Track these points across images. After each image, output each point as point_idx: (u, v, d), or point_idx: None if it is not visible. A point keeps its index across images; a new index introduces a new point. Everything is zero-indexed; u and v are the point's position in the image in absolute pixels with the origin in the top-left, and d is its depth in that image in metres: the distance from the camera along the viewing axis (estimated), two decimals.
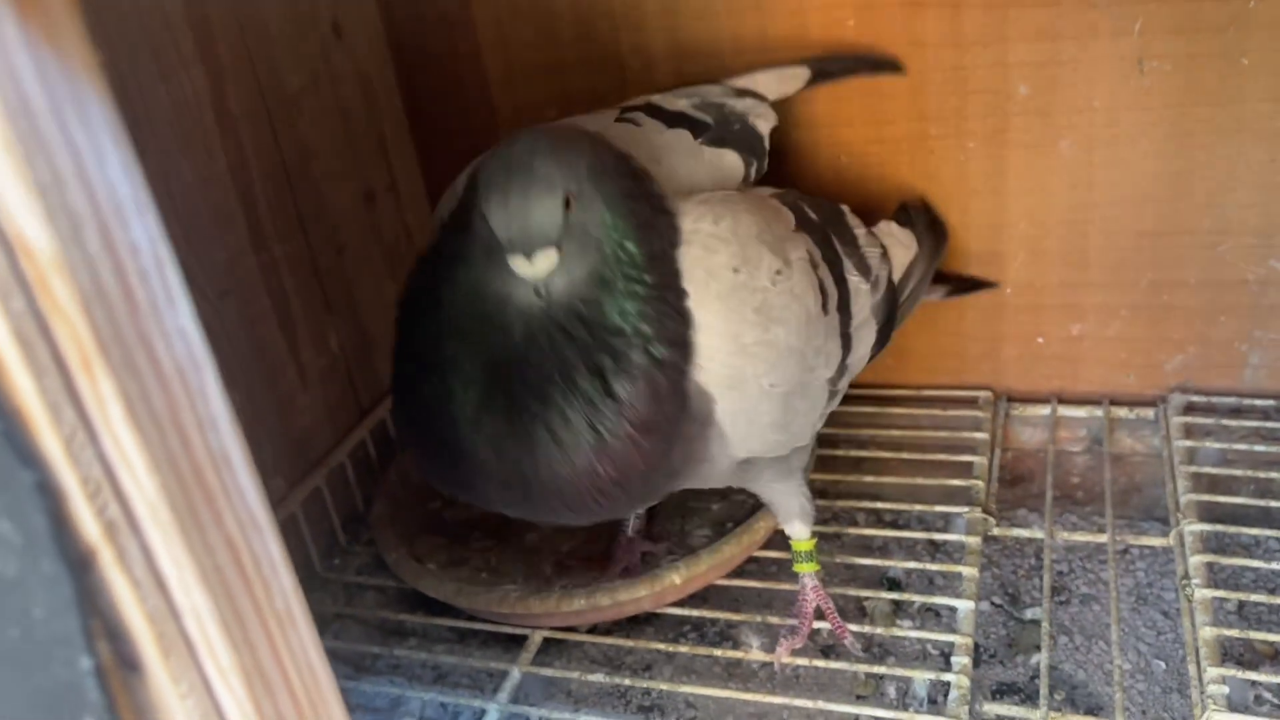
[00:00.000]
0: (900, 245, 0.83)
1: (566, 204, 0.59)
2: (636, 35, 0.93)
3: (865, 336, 0.76)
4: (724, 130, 0.78)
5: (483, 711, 0.75)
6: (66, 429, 0.25)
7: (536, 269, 0.58)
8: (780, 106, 0.91)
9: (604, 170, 0.63)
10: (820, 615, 0.77)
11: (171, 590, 0.28)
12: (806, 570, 0.77)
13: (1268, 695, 0.75)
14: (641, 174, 0.67)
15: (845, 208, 0.81)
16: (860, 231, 0.80)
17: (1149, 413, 0.91)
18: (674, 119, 0.78)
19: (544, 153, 0.60)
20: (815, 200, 0.78)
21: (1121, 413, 0.92)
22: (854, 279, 0.75)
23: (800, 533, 0.77)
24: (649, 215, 0.64)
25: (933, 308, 0.95)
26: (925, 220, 0.89)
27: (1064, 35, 0.82)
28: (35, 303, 0.23)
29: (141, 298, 0.25)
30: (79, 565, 0.26)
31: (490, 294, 0.62)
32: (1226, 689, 0.64)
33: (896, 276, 0.81)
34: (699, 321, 0.63)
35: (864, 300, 0.76)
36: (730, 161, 0.77)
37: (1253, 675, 0.68)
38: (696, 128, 0.77)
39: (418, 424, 0.66)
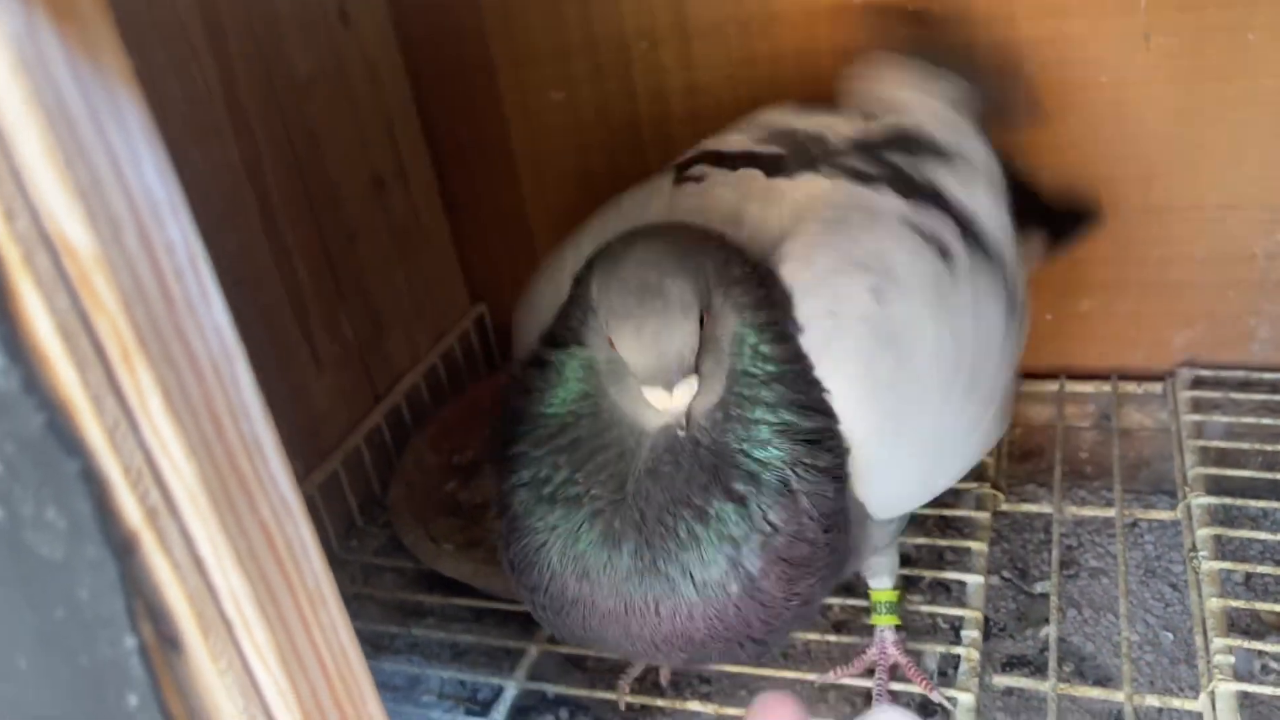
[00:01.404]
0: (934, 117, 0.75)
1: (701, 323, 0.53)
2: (642, 17, 0.94)
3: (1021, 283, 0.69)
4: (802, 159, 0.70)
5: (501, 688, 0.77)
6: (109, 419, 0.26)
7: (676, 402, 0.52)
8: (793, 85, 0.91)
9: (733, 275, 0.57)
10: (897, 674, 0.72)
11: (210, 572, 0.29)
12: (886, 623, 0.72)
13: (1274, 665, 0.76)
14: (742, 253, 0.60)
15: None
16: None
17: (1157, 387, 0.92)
18: (739, 161, 0.71)
19: (672, 269, 0.53)
20: (888, 130, 0.72)
21: (1130, 388, 0.93)
22: (993, 235, 0.67)
23: (884, 584, 0.72)
24: (767, 302, 0.58)
25: None
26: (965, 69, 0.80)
27: (1071, 12, 0.82)
28: (78, 300, 0.25)
29: (177, 294, 0.26)
30: (122, 549, 0.27)
31: (619, 422, 0.56)
32: (1233, 659, 0.65)
33: None
34: (853, 432, 0.57)
35: (1008, 245, 0.68)
36: (819, 188, 0.70)
37: (1259, 645, 0.69)
38: (767, 164, 0.70)
39: (535, 564, 0.58)
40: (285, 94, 0.88)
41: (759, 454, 0.54)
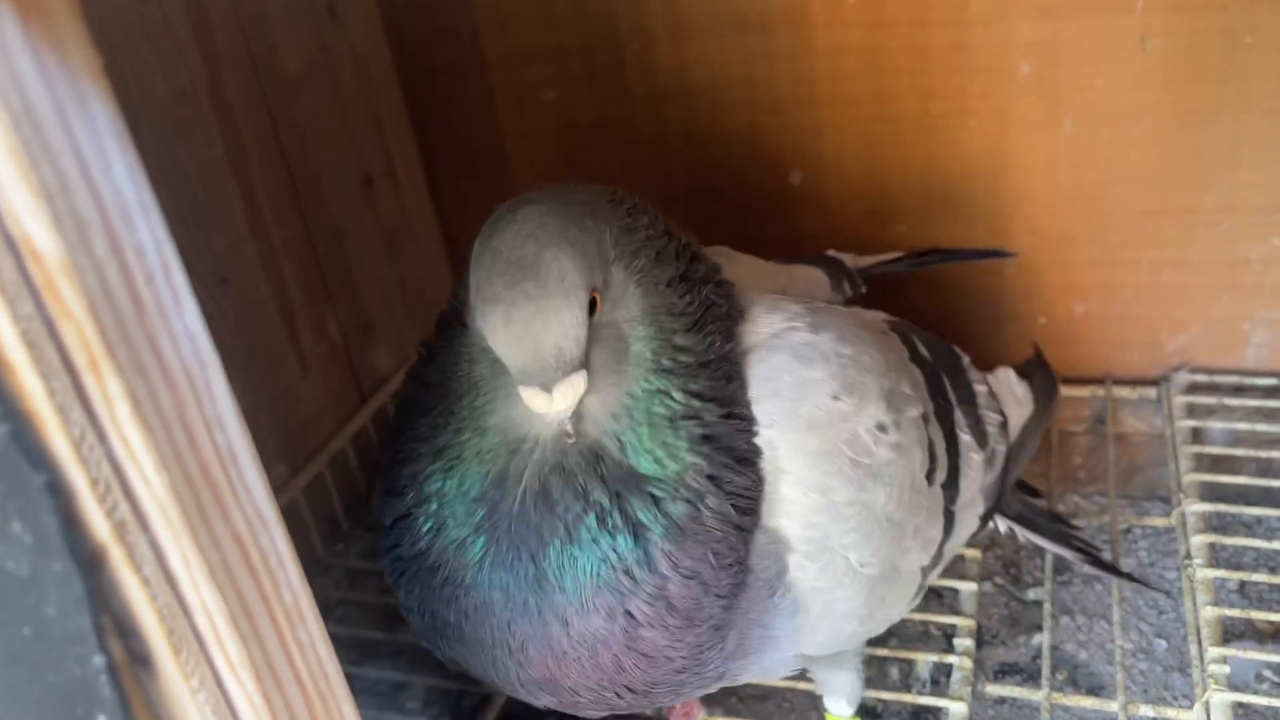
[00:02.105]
0: (1017, 404, 0.69)
1: (592, 306, 0.45)
2: (636, 16, 0.93)
3: (968, 520, 0.61)
4: (798, 258, 0.67)
5: (487, 697, 0.76)
6: (75, 430, 0.25)
7: (557, 405, 0.44)
8: (786, 86, 0.91)
9: (640, 242, 0.49)
10: None
11: (181, 587, 0.28)
12: None
13: (1269, 674, 0.75)
14: (694, 251, 0.52)
15: (964, 357, 0.67)
16: (981, 389, 0.65)
17: (1151, 392, 0.91)
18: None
19: (552, 239, 0.44)
20: (930, 336, 0.65)
21: (1124, 392, 0.92)
22: (966, 440, 0.60)
23: (840, 709, 0.64)
24: (707, 303, 0.50)
25: (938, 286, 0.95)
26: (1041, 374, 0.75)
27: (1066, 14, 0.82)
28: (43, 306, 0.23)
29: (148, 299, 0.25)
30: (90, 564, 0.26)
31: (508, 425, 0.48)
32: (1228, 668, 0.64)
33: (1014, 441, 0.67)
34: (778, 463, 0.49)
35: (975, 474, 0.61)
36: (812, 274, 0.65)
37: (1254, 654, 0.69)
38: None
39: (406, 583, 0.53)
40: (272, 90, 0.87)
41: (667, 470, 0.46)
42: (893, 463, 0.52)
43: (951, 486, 0.58)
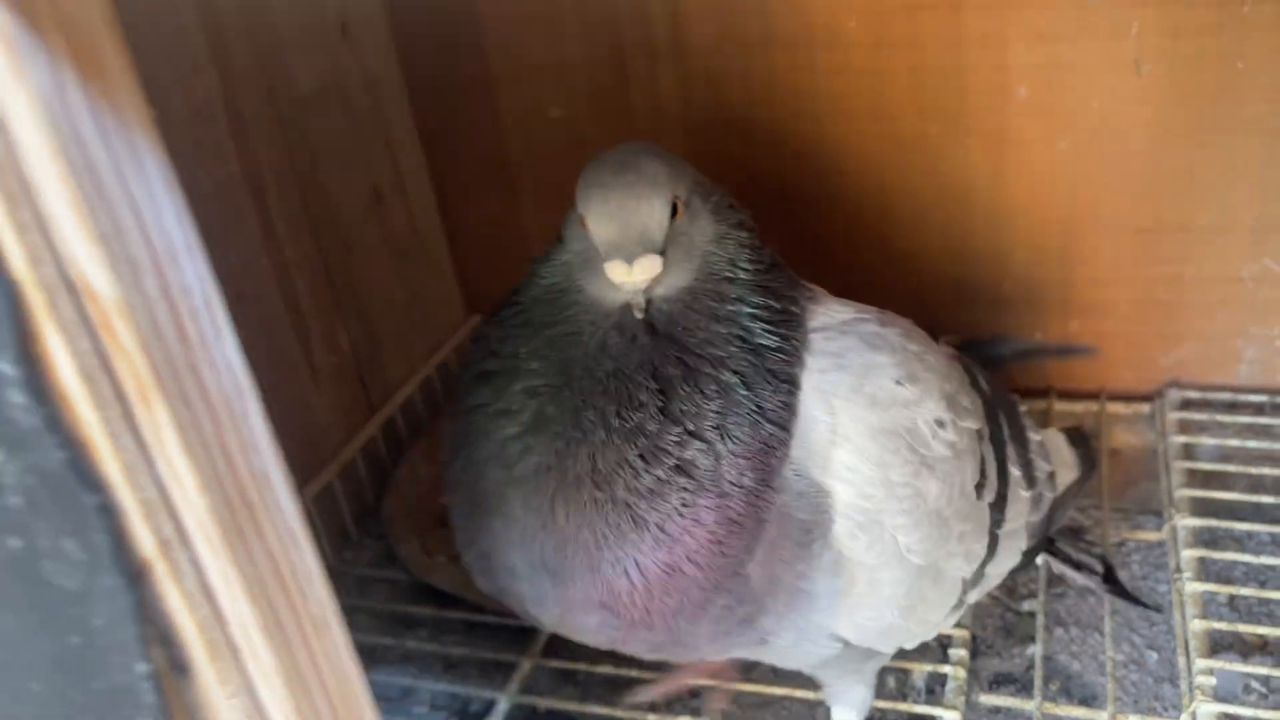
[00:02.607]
0: (1065, 466, 0.71)
1: (674, 211, 0.52)
2: (640, 34, 0.95)
3: (1011, 549, 0.63)
4: None
5: (493, 702, 0.77)
6: (126, 456, 0.27)
7: (635, 276, 0.49)
8: (787, 103, 0.93)
9: (714, 191, 0.57)
10: None
11: (219, 600, 0.30)
12: None
13: (1256, 685, 0.77)
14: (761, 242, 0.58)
15: (1022, 407, 0.70)
16: (1034, 437, 0.68)
17: (1145, 408, 0.93)
18: None
19: (653, 154, 0.54)
20: (991, 376, 0.68)
21: (1118, 408, 0.94)
22: (1015, 475, 0.63)
23: (845, 715, 0.66)
24: (774, 263, 0.56)
25: (937, 302, 0.97)
26: (1084, 445, 0.77)
27: (1062, 37, 0.84)
28: (99, 342, 0.25)
29: (193, 334, 0.27)
30: (136, 578, 0.28)
31: (581, 309, 0.53)
32: (1214, 680, 0.66)
33: (1058, 493, 0.69)
34: (834, 421, 0.51)
35: (1022, 508, 0.63)
36: None
37: (1240, 667, 0.70)
38: None
39: (459, 455, 0.56)
40: (286, 107, 0.89)
41: (731, 357, 0.51)
42: (948, 460, 0.54)
43: (999, 510, 0.60)
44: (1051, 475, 0.67)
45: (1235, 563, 0.84)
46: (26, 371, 0.25)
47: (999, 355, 0.78)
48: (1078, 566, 0.73)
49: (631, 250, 0.50)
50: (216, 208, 0.82)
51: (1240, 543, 0.87)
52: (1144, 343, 0.93)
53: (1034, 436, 0.67)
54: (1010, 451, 0.62)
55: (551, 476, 0.51)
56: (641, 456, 0.49)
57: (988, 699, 0.71)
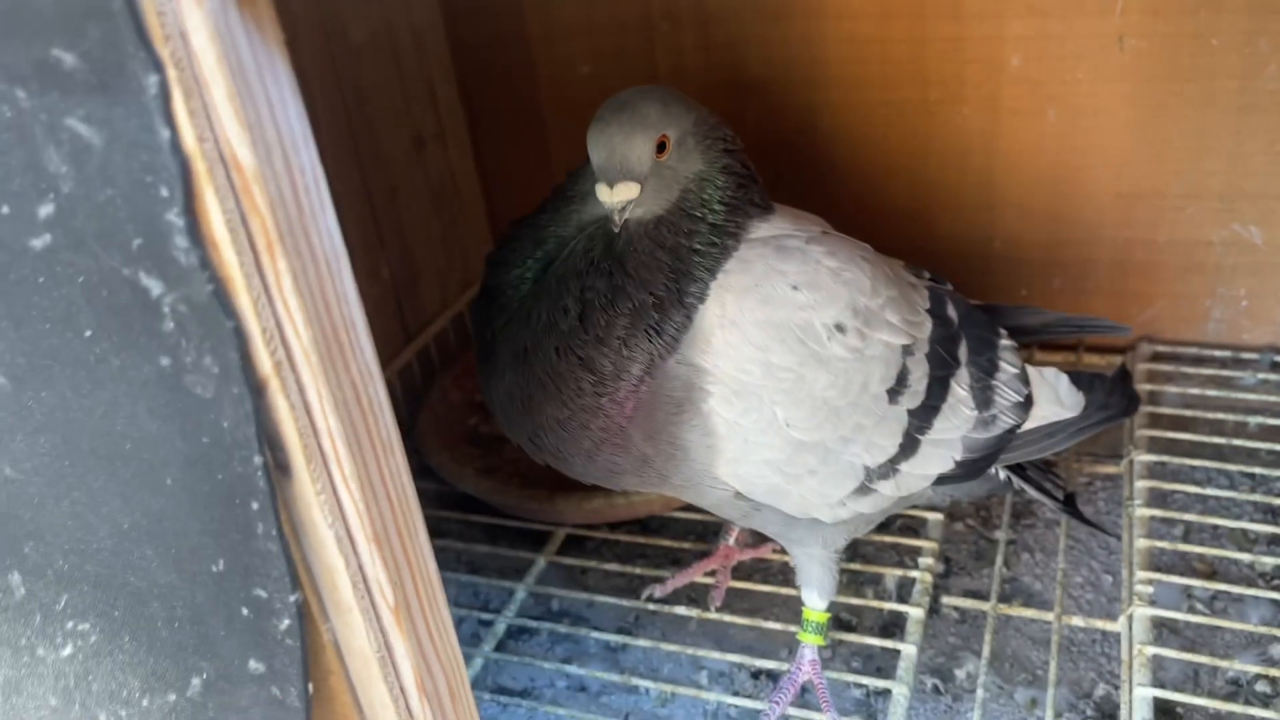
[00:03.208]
0: (1055, 402, 0.76)
1: (662, 147, 0.63)
2: (666, 2, 1.02)
3: (938, 456, 0.70)
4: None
5: (511, 591, 0.87)
6: (255, 292, 0.36)
7: (614, 198, 0.62)
8: (800, 69, 1.00)
9: (714, 134, 0.66)
10: (807, 692, 0.76)
11: (315, 415, 0.39)
12: (809, 641, 0.75)
13: (1200, 605, 0.85)
14: (753, 175, 0.69)
15: (1005, 341, 0.76)
16: (1010, 370, 0.74)
17: (1118, 359, 1.01)
18: None
19: (653, 97, 0.64)
20: (975, 311, 0.76)
21: (1093, 359, 1.02)
22: (960, 393, 0.70)
23: (814, 602, 0.74)
24: (743, 199, 0.66)
25: (930, 255, 1.04)
26: (1119, 389, 0.80)
27: (1053, 13, 0.91)
28: (240, 204, 0.34)
29: (306, 204, 0.36)
30: (257, 390, 0.37)
31: (574, 215, 0.67)
32: (1152, 589, 0.75)
33: (1031, 425, 0.75)
34: (723, 313, 0.62)
35: (959, 423, 0.70)
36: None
37: (1178, 580, 0.79)
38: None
39: (485, 291, 0.70)
40: (340, 57, 0.98)
41: (657, 282, 0.62)
42: (846, 360, 0.64)
43: (922, 419, 0.69)
44: (1020, 405, 0.74)
45: (1193, 496, 0.93)
46: (190, 221, 0.34)
47: (1026, 325, 0.82)
48: (1043, 491, 0.81)
49: (614, 176, 0.62)
50: None
51: (1200, 482, 0.95)
52: (1120, 300, 1.01)
53: (1010, 370, 0.74)
54: (963, 373, 0.71)
55: (510, 344, 0.66)
56: (556, 349, 0.63)
57: (949, 600, 0.80)
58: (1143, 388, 0.96)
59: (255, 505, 0.39)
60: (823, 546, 0.72)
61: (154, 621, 0.44)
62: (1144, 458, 0.87)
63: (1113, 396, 0.78)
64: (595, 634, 0.85)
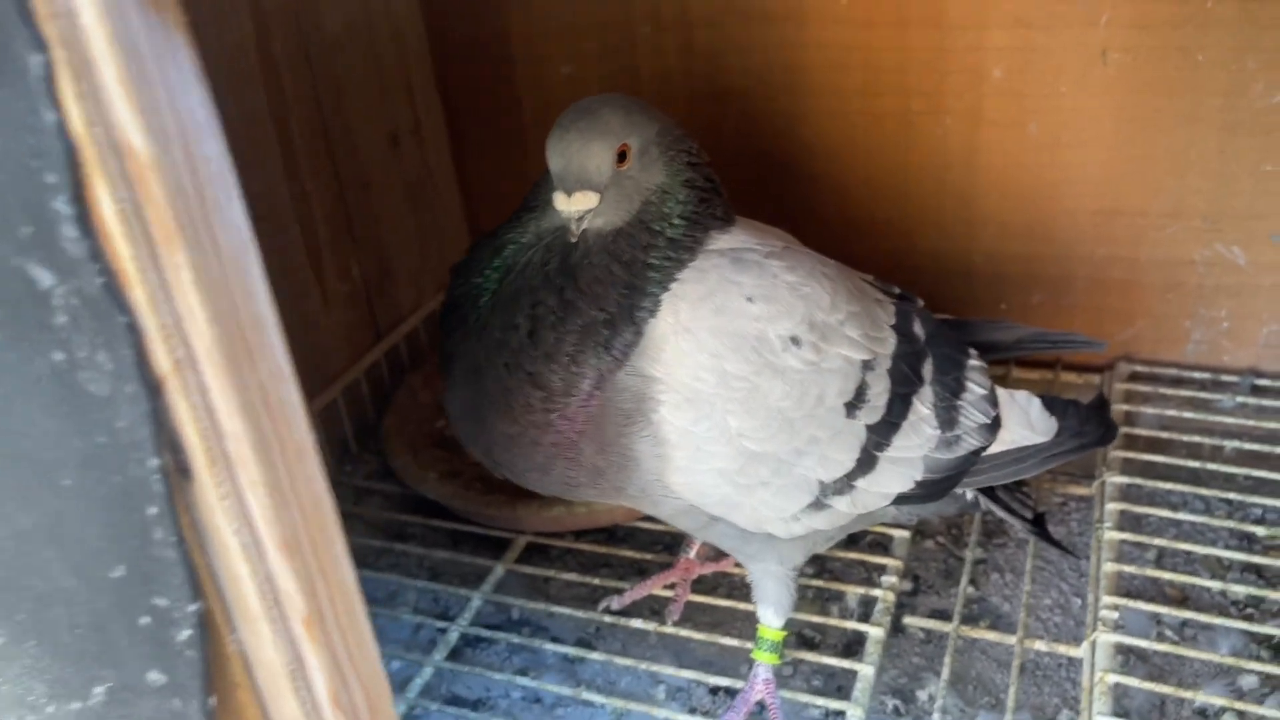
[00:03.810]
0: (1025, 426, 0.74)
1: (623, 157, 0.62)
2: (648, 4, 1.01)
3: (897, 474, 0.68)
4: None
5: (468, 599, 0.85)
6: (150, 287, 0.34)
7: (571, 206, 0.61)
8: (781, 75, 0.99)
9: (678, 146, 0.65)
10: (764, 708, 0.74)
11: (218, 417, 0.37)
12: (763, 660, 0.73)
13: (1170, 632, 0.84)
14: (717, 188, 0.67)
15: (973, 361, 0.74)
16: (978, 391, 0.72)
17: (1096, 378, 0.99)
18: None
19: (616, 105, 0.63)
20: (945, 330, 0.74)
21: (1071, 377, 1.00)
22: (922, 411, 0.69)
23: (769, 619, 0.73)
24: (704, 212, 0.65)
25: (912, 269, 1.03)
26: (1095, 417, 0.77)
27: (1036, 24, 0.90)
28: (135, 193, 0.33)
29: (209, 195, 0.34)
30: (153, 389, 0.35)
31: (532, 223, 0.66)
32: (1116, 614, 0.73)
33: (998, 449, 0.72)
34: (676, 320, 0.61)
35: (920, 441, 0.69)
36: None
37: (1147, 606, 0.77)
38: None
39: (449, 303, 0.69)
40: (314, 49, 0.96)
41: (609, 298, 0.61)
42: (801, 372, 0.63)
43: (881, 435, 0.67)
44: (987, 426, 0.72)
45: (1160, 518, 0.91)
46: (79, 210, 0.32)
47: (1000, 341, 0.80)
48: (1011, 512, 0.79)
49: (572, 184, 0.61)
50: (242, 136, 0.89)
51: (1175, 506, 0.93)
52: (1099, 318, 0.99)
53: (978, 390, 0.72)
54: (927, 391, 0.69)
55: (464, 359, 0.65)
56: (506, 365, 0.62)
57: (912, 620, 0.78)
58: (1120, 408, 0.94)
59: (153, 509, 0.37)
60: (779, 563, 0.71)
61: (57, 627, 0.43)
62: (1117, 479, 0.85)
63: (1088, 424, 0.76)
64: (553, 645, 0.84)
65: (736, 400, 0.61)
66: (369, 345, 1.07)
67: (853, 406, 0.65)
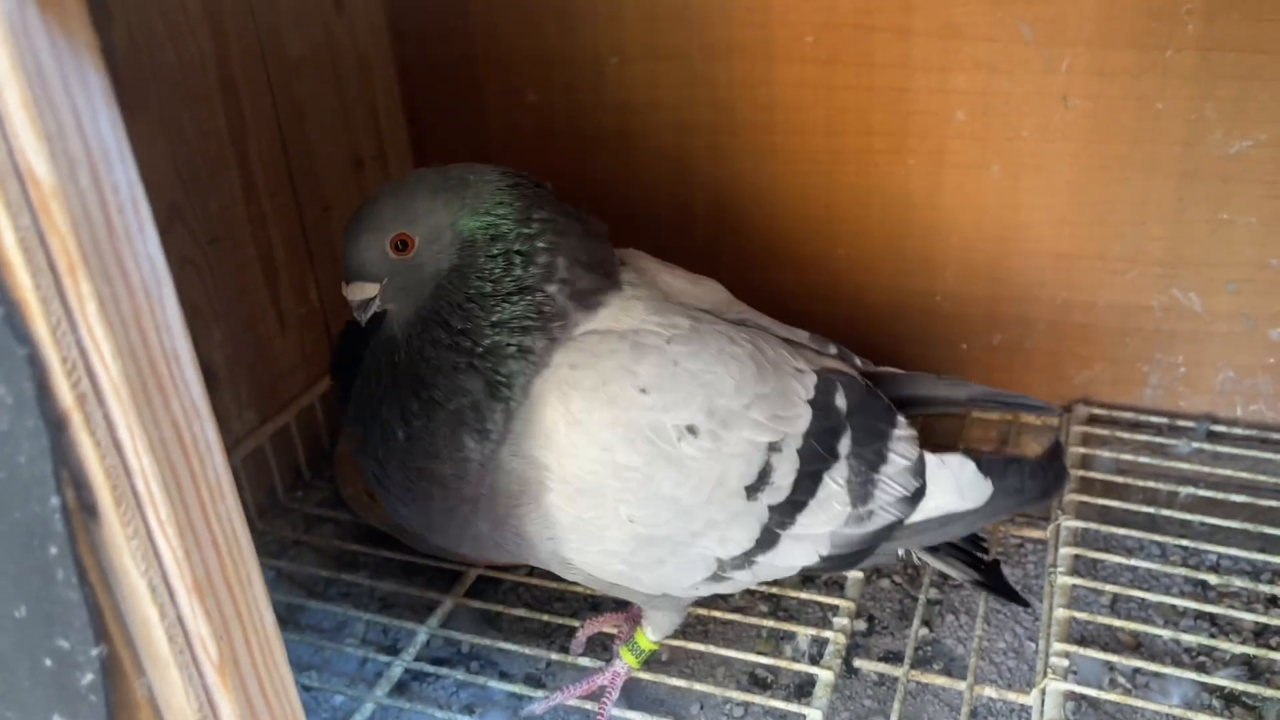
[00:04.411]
0: (954, 493, 0.71)
1: (403, 246, 0.63)
2: (615, 35, 1.01)
3: (800, 550, 0.68)
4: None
5: (414, 633, 0.83)
6: (53, 318, 0.33)
7: (350, 295, 0.65)
8: (747, 111, 0.99)
9: (489, 222, 0.62)
10: (598, 695, 0.77)
11: (126, 454, 0.36)
12: (627, 659, 0.76)
13: (1122, 680, 0.83)
14: (592, 260, 0.64)
15: (900, 431, 0.71)
16: (901, 462, 0.69)
17: (1054, 420, 0.99)
18: None
19: (399, 193, 0.64)
20: (870, 399, 0.71)
21: (1029, 419, 1.00)
22: (833, 488, 0.67)
23: (649, 633, 0.75)
24: (529, 284, 0.62)
25: (873, 308, 1.03)
26: (1043, 472, 0.73)
27: (999, 68, 0.90)
28: (37, 221, 0.31)
29: (119, 224, 0.33)
30: (56, 424, 0.34)
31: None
32: (1067, 662, 0.72)
33: (919, 518, 0.70)
34: (567, 410, 0.60)
35: (828, 518, 0.67)
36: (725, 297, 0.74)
37: (1096, 654, 0.76)
38: None
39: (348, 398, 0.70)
40: (276, 71, 0.95)
41: (464, 390, 0.61)
42: (697, 459, 0.62)
43: (784, 514, 0.66)
44: (908, 498, 0.70)
45: (1115, 564, 0.91)
46: None
47: (952, 398, 0.77)
48: (954, 565, 0.79)
49: (350, 274, 0.65)
50: (200, 156, 0.88)
51: (1131, 551, 0.93)
52: (1058, 361, 0.99)
53: (901, 462, 0.69)
54: (841, 467, 0.67)
55: (369, 450, 0.66)
56: (401, 464, 0.64)
57: (862, 663, 0.77)
58: (1076, 450, 0.94)
59: (54, 549, 0.36)
60: (679, 609, 0.74)
61: None
62: (1072, 524, 0.85)
63: (1032, 480, 0.72)
64: (500, 683, 0.82)
65: (629, 490, 0.61)
66: (325, 370, 1.06)
67: (754, 489, 0.64)
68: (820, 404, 0.68)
